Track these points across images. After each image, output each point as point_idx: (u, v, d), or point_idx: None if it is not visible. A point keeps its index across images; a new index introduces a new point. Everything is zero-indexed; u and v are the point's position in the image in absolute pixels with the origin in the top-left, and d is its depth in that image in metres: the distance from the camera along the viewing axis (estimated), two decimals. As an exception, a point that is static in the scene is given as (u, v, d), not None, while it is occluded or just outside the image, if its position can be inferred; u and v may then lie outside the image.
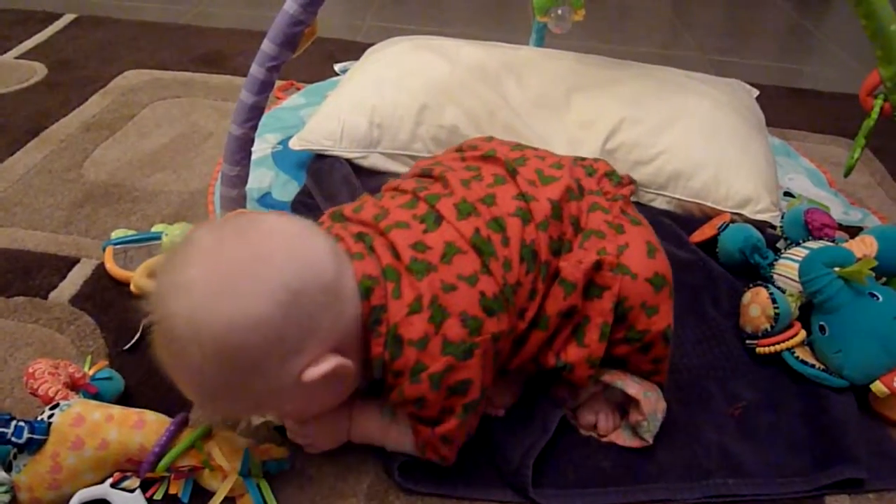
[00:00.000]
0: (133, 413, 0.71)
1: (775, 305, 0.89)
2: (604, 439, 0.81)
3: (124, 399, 0.81)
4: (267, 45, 0.95)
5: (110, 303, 0.95)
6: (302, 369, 0.62)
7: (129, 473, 0.69)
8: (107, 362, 0.84)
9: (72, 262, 1.02)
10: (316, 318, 0.61)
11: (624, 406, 0.82)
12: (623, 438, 0.81)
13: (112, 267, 0.99)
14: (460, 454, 0.75)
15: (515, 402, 0.82)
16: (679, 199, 1.19)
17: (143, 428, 0.69)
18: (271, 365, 0.60)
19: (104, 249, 1.02)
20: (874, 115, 0.98)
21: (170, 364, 0.63)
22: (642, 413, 0.78)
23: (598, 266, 0.73)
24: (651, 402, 0.78)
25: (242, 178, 1.04)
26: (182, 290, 0.59)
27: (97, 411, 0.70)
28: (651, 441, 0.79)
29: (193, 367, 0.60)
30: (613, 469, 0.78)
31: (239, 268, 0.59)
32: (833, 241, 1.01)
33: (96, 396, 0.77)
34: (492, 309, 0.67)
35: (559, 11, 1.34)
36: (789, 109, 1.69)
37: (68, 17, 1.83)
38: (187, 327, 0.58)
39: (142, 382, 0.84)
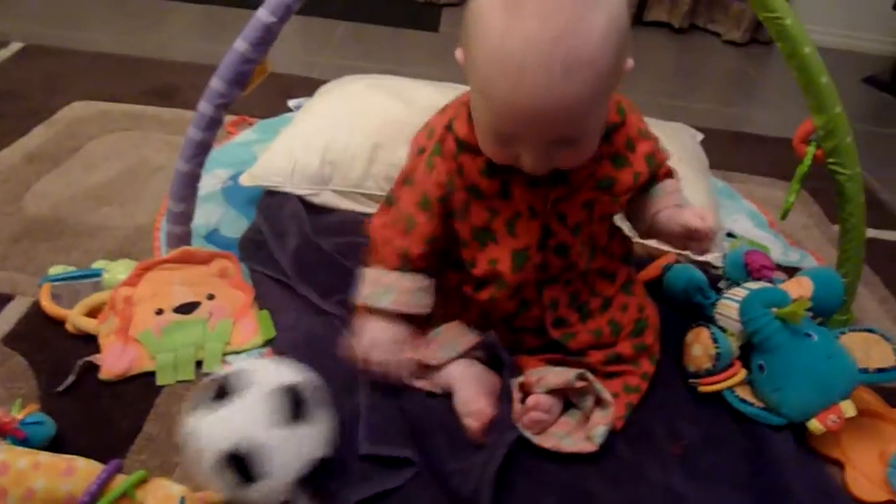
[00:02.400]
0: (62, 460, 0.68)
1: (716, 345, 0.91)
2: (546, 444, 0.82)
3: (55, 445, 0.78)
4: (216, 83, 0.94)
5: (45, 342, 0.92)
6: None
7: (56, 524, 0.66)
8: (38, 406, 0.81)
9: (5, 299, 0.99)
10: None
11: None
12: (566, 445, 0.82)
13: (48, 305, 0.96)
14: (411, 495, 0.75)
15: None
16: (625, 239, 1.21)
17: (72, 475, 0.67)
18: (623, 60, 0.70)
19: (41, 286, 0.98)
20: (807, 161, 1.02)
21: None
22: (606, 419, 0.81)
23: None
24: (613, 412, 0.83)
25: (188, 215, 1.03)
26: None
27: (23, 458, 0.67)
28: (597, 448, 0.81)
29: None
30: (559, 507, 0.78)
31: None
32: (771, 282, 1.04)
33: (24, 442, 0.74)
34: None
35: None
36: (732, 153, 1.75)
37: (15, 46, 1.79)
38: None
39: (75, 427, 0.81)
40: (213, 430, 0.69)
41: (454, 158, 0.80)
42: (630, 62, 0.72)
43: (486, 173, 0.79)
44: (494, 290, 0.85)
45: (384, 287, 0.83)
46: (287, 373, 0.75)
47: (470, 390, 0.84)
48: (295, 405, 0.71)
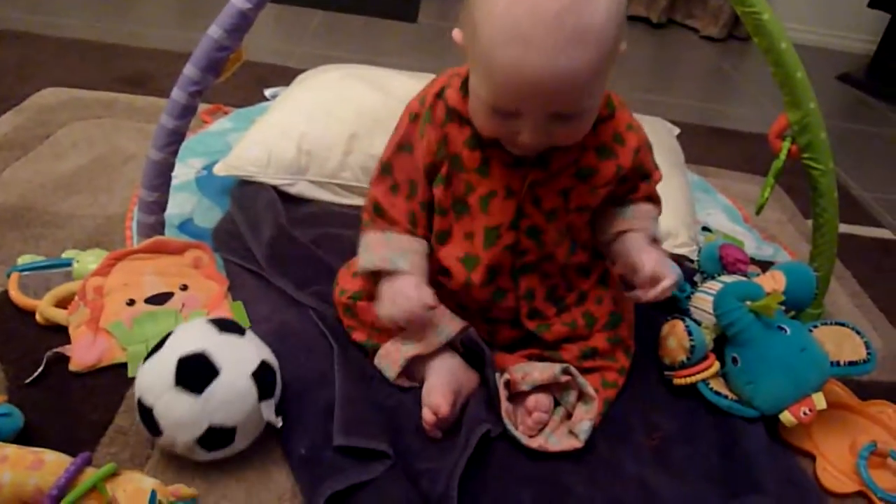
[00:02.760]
0: (29, 453, 0.67)
1: (691, 338, 0.92)
2: (534, 444, 0.82)
3: (23, 436, 0.76)
4: (190, 70, 0.93)
5: (13, 333, 0.90)
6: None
7: (22, 518, 0.65)
8: (5, 397, 0.79)
9: (-28, 290, 0.96)
10: None
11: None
12: (552, 444, 0.83)
13: (17, 295, 0.93)
14: (382, 491, 0.74)
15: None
16: (603, 233, 1.21)
17: (40, 469, 0.65)
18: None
19: (9, 276, 0.96)
20: (782, 156, 1.03)
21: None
22: (591, 413, 0.82)
23: None
24: (597, 407, 0.84)
25: (161, 205, 1.01)
26: None
27: (-11, 451, 0.65)
28: (583, 444, 0.82)
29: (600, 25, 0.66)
30: (533, 500, 0.78)
31: None
32: (746, 276, 1.05)
33: (-9, 435, 0.72)
34: None
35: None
36: (708, 147, 1.77)
37: (-16, 31, 1.75)
38: None
39: (44, 419, 0.79)
40: (154, 366, 0.75)
41: (441, 126, 0.80)
42: (623, 45, 0.73)
43: (468, 145, 0.80)
44: (469, 273, 0.85)
45: (400, 250, 0.83)
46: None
47: (437, 381, 0.84)
48: (222, 324, 0.79)
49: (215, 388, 0.72)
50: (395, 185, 0.85)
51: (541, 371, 0.85)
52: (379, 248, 0.84)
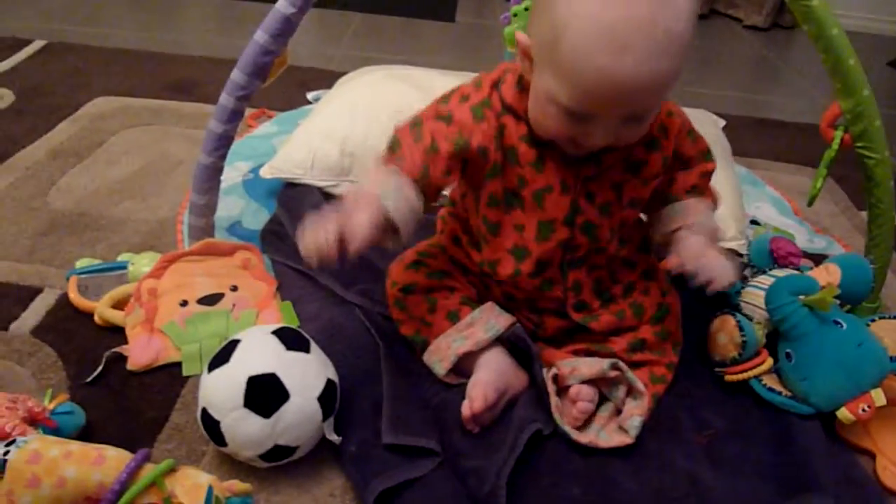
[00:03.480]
0: (92, 449, 0.69)
1: (742, 333, 0.90)
2: (584, 440, 0.82)
3: (85, 434, 0.79)
4: (236, 75, 0.95)
5: (73, 334, 0.93)
6: None
7: (87, 512, 0.67)
8: (68, 396, 0.82)
9: (34, 292, 1.00)
10: None
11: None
12: (602, 440, 0.82)
13: (76, 297, 0.97)
14: (432, 488, 0.75)
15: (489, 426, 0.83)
16: (648, 228, 1.20)
17: (102, 464, 0.67)
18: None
19: (68, 279, 1.00)
20: (835, 145, 1.01)
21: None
22: (640, 409, 0.81)
23: None
24: (647, 402, 0.83)
25: (211, 208, 1.03)
26: None
27: (55, 447, 0.68)
28: (634, 439, 0.81)
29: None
30: (584, 496, 0.77)
31: None
32: (798, 270, 1.02)
33: (56, 431, 0.75)
34: None
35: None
36: (755, 139, 1.73)
37: (38, 44, 1.81)
38: None
39: (103, 416, 0.82)
40: (222, 382, 0.75)
41: (498, 117, 0.80)
42: None
43: (525, 140, 0.79)
44: (517, 265, 0.85)
45: (397, 189, 0.75)
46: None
47: (482, 376, 0.84)
48: (289, 340, 0.78)
49: (284, 412, 0.73)
50: (417, 138, 0.80)
51: (589, 366, 0.84)
52: (378, 175, 0.78)
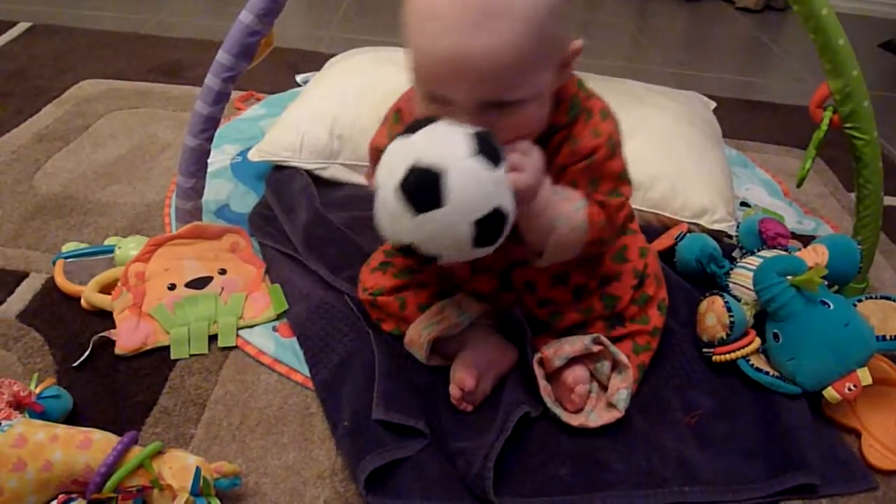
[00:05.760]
0: (79, 432, 0.69)
1: (730, 314, 0.90)
2: (575, 422, 0.82)
3: (72, 418, 0.79)
4: (222, 56, 0.94)
5: (60, 318, 0.93)
6: (568, 44, 0.71)
7: (74, 495, 0.67)
8: (54, 380, 0.81)
9: (20, 277, 0.99)
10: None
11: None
12: (592, 420, 0.82)
13: (62, 281, 0.96)
14: (421, 467, 0.75)
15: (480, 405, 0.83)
16: (638, 210, 1.20)
17: (89, 448, 0.67)
18: (562, 29, 0.68)
19: (54, 263, 0.99)
20: (824, 126, 1.01)
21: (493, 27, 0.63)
22: (626, 381, 0.81)
23: None
24: (632, 374, 0.83)
25: (198, 190, 1.03)
26: None
27: (41, 431, 0.67)
28: (623, 413, 0.81)
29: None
30: (571, 477, 0.78)
31: None
32: (786, 251, 1.03)
33: (42, 415, 0.75)
34: None
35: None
36: (746, 121, 1.72)
37: (22, 26, 1.79)
38: None
39: (91, 400, 0.82)
40: (399, 149, 0.66)
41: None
42: (578, 43, 0.71)
43: None
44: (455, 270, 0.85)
45: None
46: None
47: (464, 357, 0.84)
48: (487, 147, 0.65)
49: (433, 214, 0.64)
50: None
51: (571, 344, 0.84)
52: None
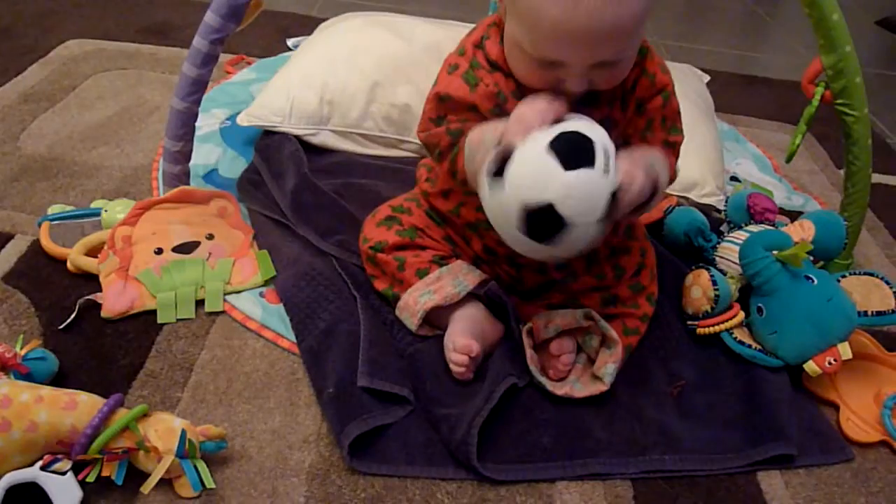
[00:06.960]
0: (64, 394, 0.69)
1: (716, 287, 0.91)
2: (560, 391, 0.83)
3: (58, 380, 0.79)
4: (210, 17, 0.92)
5: (45, 280, 0.92)
6: None
7: (60, 456, 0.67)
8: (40, 342, 0.81)
9: (5, 239, 0.98)
10: None
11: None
12: (577, 390, 0.83)
13: (48, 243, 0.96)
14: (405, 433, 0.77)
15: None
16: (628, 182, 1.20)
17: (74, 409, 0.68)
18: None
19: (40, 225, 0.98)
20: (815, 102, 1.00)
21: None
22: (614, 356, 0.83)
23: None
24: (620, 350, 0.84)
25: (185, 154, 1.02)
26: None
27: (26, 392, 0.67)
28: (609, 386, 0.82)
29: None
30: (553, 444, 0.79)
31: None
32: (774, 226, 1.03)
33: (28, 377, 0.74)
34: None
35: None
36: (740, 96, 1.72)
37: (6, -17, 1.74)
38: None
39: (77, 363, 0.82)
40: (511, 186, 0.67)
41: (490, 75, 0.79)
42: None
43: (515, 96, 0.78)
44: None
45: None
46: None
47: (459, 326, 0.84)
48: (579, 149, 0.67)
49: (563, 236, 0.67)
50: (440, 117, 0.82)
51: (563, 317, 0.85)
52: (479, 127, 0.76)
